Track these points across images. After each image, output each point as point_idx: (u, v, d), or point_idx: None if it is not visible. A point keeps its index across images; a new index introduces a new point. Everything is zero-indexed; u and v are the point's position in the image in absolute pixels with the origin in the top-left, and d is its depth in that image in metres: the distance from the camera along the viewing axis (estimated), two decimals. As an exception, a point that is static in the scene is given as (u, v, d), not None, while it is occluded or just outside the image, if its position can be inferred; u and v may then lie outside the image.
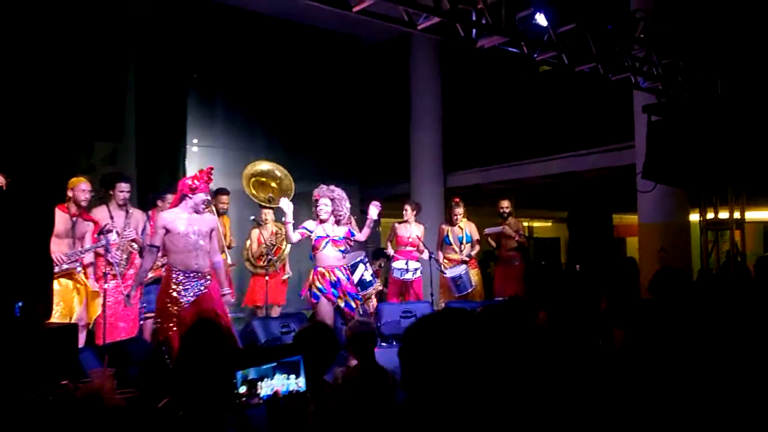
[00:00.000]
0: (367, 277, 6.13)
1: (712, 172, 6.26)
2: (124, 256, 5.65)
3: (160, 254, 5.02)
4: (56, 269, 5.18)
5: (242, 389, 1.87)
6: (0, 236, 3.36)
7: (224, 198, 6.62)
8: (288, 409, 2.01)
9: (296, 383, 1.96)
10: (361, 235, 5.49)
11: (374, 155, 11.99)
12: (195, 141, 8.39)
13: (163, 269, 5.30)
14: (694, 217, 7.27)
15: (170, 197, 6.14)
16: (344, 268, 5.43)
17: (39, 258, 3.56)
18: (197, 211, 4.75)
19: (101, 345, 5.08)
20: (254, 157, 7.65)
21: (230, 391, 1.86)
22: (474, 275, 7.20)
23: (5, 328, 3.11)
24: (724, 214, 6.80)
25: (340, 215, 5.42)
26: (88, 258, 5.42)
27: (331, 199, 5.35)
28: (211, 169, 4.86)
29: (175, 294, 4.61)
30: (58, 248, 5.15)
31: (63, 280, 5.24)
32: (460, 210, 7.32)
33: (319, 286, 5.24)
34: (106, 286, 5.42)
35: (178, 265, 4.67)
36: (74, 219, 5.30)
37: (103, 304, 5.38)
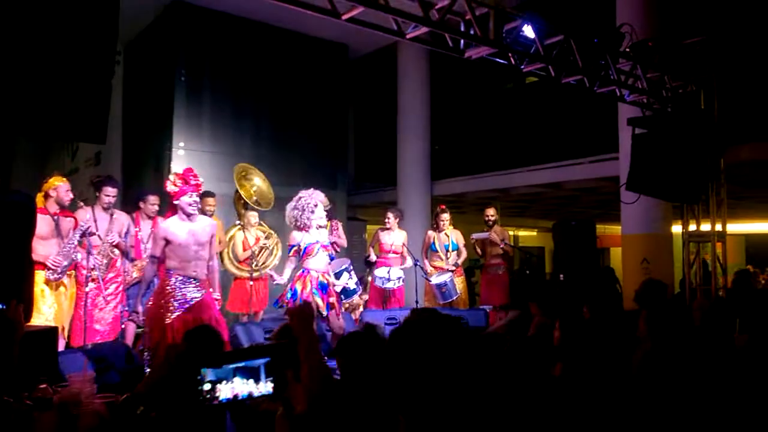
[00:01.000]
0: (351, 285, 6.11)
1: (694, 185, 6.35)
2: (104, 261, 5.59)
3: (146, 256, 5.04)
4: (59, 272, 5.14)
5: (206, 387, 1.85)
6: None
7: (210, 200, 6.59)
8: (251, 412, 1.99)
9: (257, 388, 1.94)
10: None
11: (361, 162, 12.02)
12: (181, 144, 8.35)
13: (148, 270, 5.25)
14: (677, 228, 7.35)
15: (152, 198, 6.13)
16: (331, 273, 5.42)
17: (19, 260, 3.52)
18: (188, 214, 4.68)
19: (80, 347, 5.03)
20: (241, 161, 7.63)
21: (195, 388, 1.83)
22: (459, 283, 7.23)
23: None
24: (706, 226, 6.89)
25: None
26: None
27: (325, 204, 5.40)
28: (190, 169, 4.77)
29: (171, 299, 4.55)
30: (46, 250, 5.09)
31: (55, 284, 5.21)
32: (446, 216, 7.35)
33: (306, 288, 5.14)
34: (86, 289, 5.39)
35: (176, 270, 4.63)
36: (56, 218, 5.27)
37: (84, 307, 5.34)
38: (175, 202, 4.69)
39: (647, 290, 4.21)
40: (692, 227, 6.97)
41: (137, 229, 6.04)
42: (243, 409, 2.08)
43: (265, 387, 1.95)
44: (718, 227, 6.81)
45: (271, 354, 1.98)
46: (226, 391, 1.86)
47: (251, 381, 1.91)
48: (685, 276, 7.11)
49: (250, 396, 1.92)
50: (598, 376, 2.32)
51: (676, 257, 7.39)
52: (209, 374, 1.85)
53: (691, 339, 3.03)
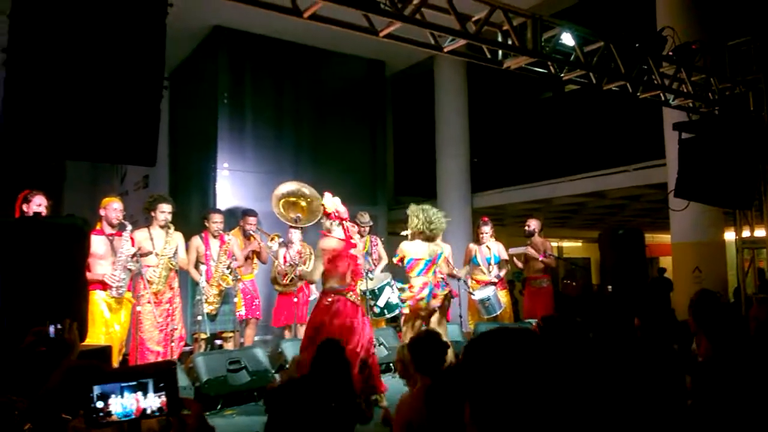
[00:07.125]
0: (394, 300, 6.11)
1: (746, 189, 6.13)
2: (164, 273, 5.67)
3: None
4: (120, 288, 5.26)
5: (99, 404, 1.83)
6: (38, 259, 3.46)
7: (252, 219, 6.69)
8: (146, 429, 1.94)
9: (146, 402, 1.92)
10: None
11: (401, 177, 12.04)
12: (226, 165, 8.53)
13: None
14: (730, 235, 7.10)
15: (216, 216, 6.26)
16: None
17: (73, 280, 3.64)
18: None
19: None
20: (283, 179, 7.73)
21: (87, 405, 1.80)
22: (502, 296, 7.12)
23: (42, 349, 3.17)
24: (760, 232, 6.63)
25: None
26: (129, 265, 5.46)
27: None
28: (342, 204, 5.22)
29: (327, 317, 4.83)
30: (104, 269, 5.23)
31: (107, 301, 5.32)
32: (487, 229, 7.26)
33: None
34: (139, 308, 5.45)
35: (333, 288, 4.92)
36: (111, 239, 5.39)
37: (135, 326, 5.43)
38: (341, 223, 5.08)
39: (703, 302, 4.03)
40: (746, 233, 6.72)
41: (208, 252, 6.11)
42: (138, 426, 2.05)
43: (155, 402, 1.92)
44: (774, 232, 6.55)
45: (156, 375, 1.96)
46: (116, 406, 1.84)
47: (141, 395, 1.88)
48: (740, 284, 6.85)
49: (143, 413, 1.89)
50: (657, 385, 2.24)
51: (730, 265, 7.13)
52: (96, 389, 1.83)
53: (749, 350, 2.90)
